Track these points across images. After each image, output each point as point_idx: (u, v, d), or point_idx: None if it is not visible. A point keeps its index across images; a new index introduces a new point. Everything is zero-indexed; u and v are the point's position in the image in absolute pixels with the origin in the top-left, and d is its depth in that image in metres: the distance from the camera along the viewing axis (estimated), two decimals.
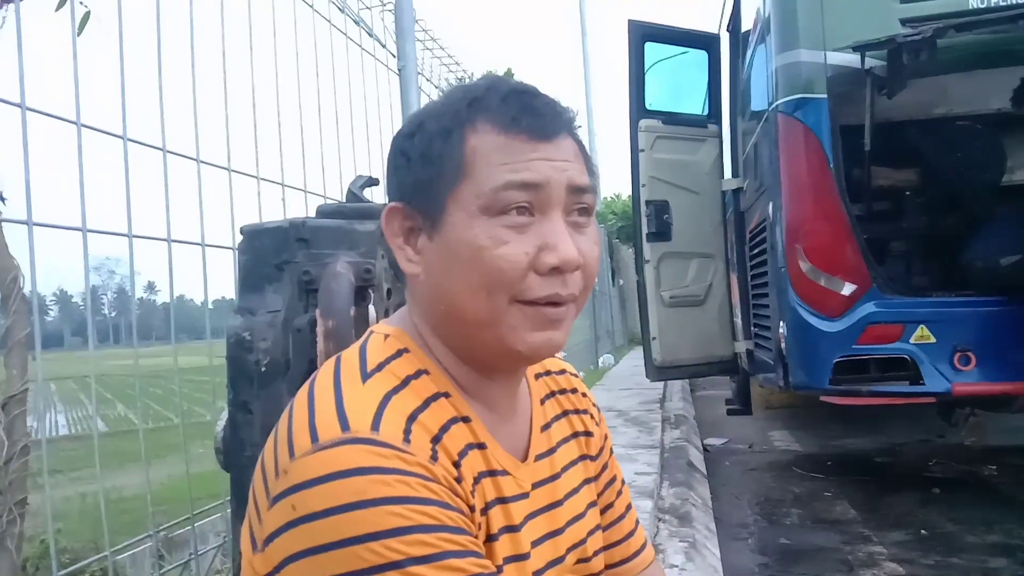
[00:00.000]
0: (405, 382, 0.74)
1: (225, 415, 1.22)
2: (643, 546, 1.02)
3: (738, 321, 5.23)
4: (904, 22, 3.61)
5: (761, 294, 4.54)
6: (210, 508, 2.02)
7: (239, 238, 1.27)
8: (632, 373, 8.34)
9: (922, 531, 3.56)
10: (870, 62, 3.61)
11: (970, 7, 3.57)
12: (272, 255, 1.22)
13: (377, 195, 1.52)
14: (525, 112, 0.75)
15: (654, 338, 5.22)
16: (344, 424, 0.68)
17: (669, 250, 5.21)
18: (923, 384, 3.59)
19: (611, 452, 1.02)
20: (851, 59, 3.66)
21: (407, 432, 0.69)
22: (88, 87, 1.50)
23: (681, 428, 5.42)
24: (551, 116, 0.77)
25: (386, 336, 0.80)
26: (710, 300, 5.33)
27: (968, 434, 5.07)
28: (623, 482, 1.03)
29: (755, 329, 4.87)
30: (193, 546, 1.82)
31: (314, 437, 0.68)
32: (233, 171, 1.69)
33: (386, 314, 1.28)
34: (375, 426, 0.68)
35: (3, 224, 1.65)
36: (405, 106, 2.59)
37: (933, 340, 3.58)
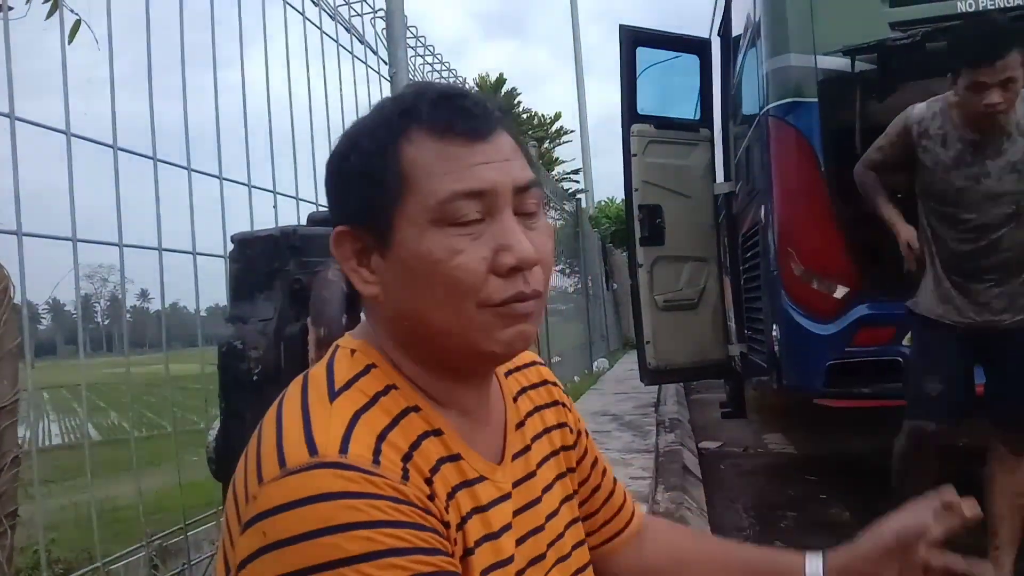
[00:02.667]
0: (374, 399, 0.74)
1: (217, 424, 1.22)
2: (632, 513, 1.05)
3: (732, 324, 5.24)
4: (893, 26, 3.63)
5: (754, 297, 4.55)
6: (204, 517, 2.01)
7: (231, 246, 1.27)
8: (626, 377, 8.34)
9: None
10: (860, 66, 3.63)
11: (959, 11, 3.59)
12: (263, 263, 1.22)
13: None
14: (458, 115, 0.75)
15: (648, 342, 5.22)
16: (312, 448, 0.67)
17: (662, 254, 5.22)
18: None
19: (587, 435, 1.03)
20: (841, 63, 3.68)
21: (377, 453, 0.69)
22: (77, 95, 1.49)
23: (676, 432, 5.42)
24: (483, 115, 0.76)
25: (353, 351, 0.79)
26: (703, 304, 5.34)
27: (960, 435, 5.07)
28: (603, 457, 1.04)
29: (748, 332, 4.88)
30: (187, 555, 1.81)
31: (282, 462, 0.67)
32: (224, 179, 1.69)
33: None
34: (343, 449, 0.67)
35: None
36: None
37: None
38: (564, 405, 0.99)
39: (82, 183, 1.53)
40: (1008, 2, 3.57)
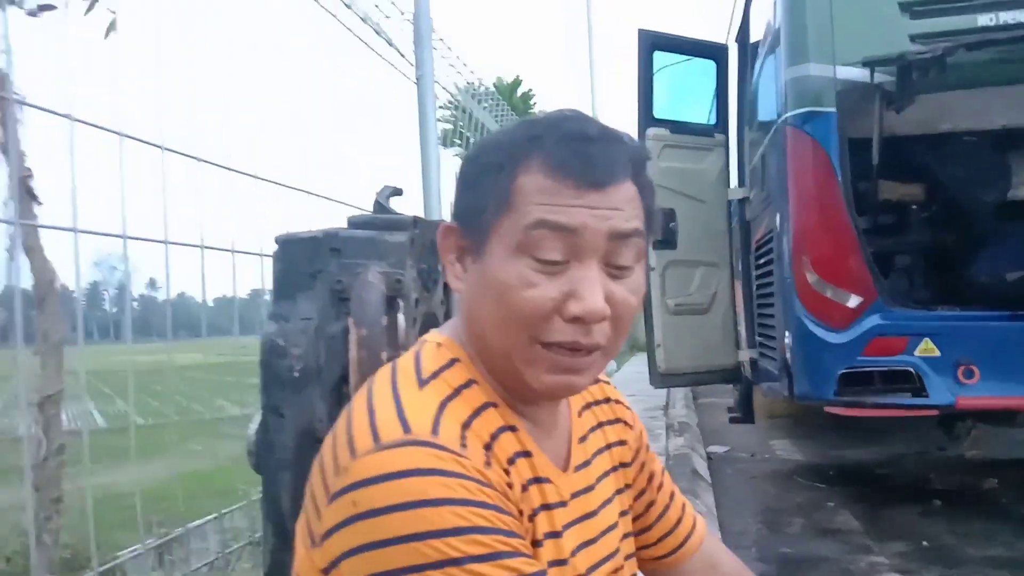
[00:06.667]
0: (457, 391, 0.78)
1: (257, 418, 1.25)
2: (692, 528, 1.07)
3: (742, 330, 5.26)
4: (914, 38, 3.65)
5: (766, 304, 4.57)
6: (234, 508, 2.05)
7: (264, 246, 1.31)
8: (635, 379, 8.34)
9: (923, 543, 3.58)
10: (879, 77, 3.65)
11: (979, 25, 3.61)
12: (305, 264, 1.25)
13: (398, 204, 1.55)
14: (576, 158, 0.76)
15: (658, 345, 5.23)
16: (405, 427, 0.72)
17: (675, 258, 5.22)
18: (927, 397, 3.62)
19: (648, 450, 1.05)
20: (860, 74, 3.69)
21: (463, 438, 0.73)
22: (119, 93, 1.53)
23: (685, 436, 5.45)
24: (604, 164, 0.77)
25: (438, 345, 0.83)
26: (714, 308, 5.35)
27: (969, 447, 5.10)
28: (663, 472, 1.07)
29: (759, 338, 4.89)
30: (221, 545, 1.85)
31: (375, 437, 0.71)
32: (261, 179, 1.72)
33: (414, 323, 1.32)
34: (435, 430, 0.72)
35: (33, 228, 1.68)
36: (422, 114, 2.62)
37: (937, 353, 3.60)
38: (625, 423, 1.03)
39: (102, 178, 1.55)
40: None
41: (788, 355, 3.93)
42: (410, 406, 0.74)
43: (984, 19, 3.60)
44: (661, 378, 5.32)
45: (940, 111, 4.05)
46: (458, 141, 5.01)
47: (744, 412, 5.79)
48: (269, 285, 1.67)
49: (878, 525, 3.87)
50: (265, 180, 1.70)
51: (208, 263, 1.79)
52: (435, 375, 0.79)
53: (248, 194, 1.83)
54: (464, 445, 0.72)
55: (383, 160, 2.28)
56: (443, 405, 0.75)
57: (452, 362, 0.81)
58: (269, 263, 1.55)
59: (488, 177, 0.79)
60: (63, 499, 1.49)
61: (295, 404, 1.22)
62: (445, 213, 2.54)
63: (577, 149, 0.76)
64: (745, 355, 5.20)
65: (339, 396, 1.21)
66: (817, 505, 4.30)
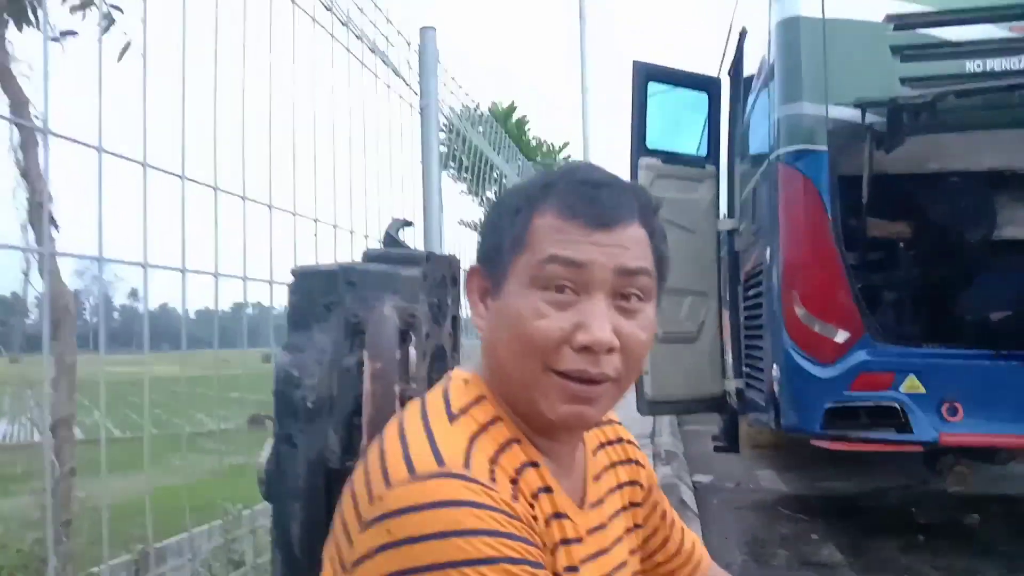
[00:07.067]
0: (484, 428, 0.82)
1: (269, 446, 1.27)
2: (701, 554, 1.13)
3: (728, 359, 5.31)
4: (904, 81, 3.75)
5: (754, 335, 4.63)
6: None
7: (287, 278, 1.33)
8: (621, 406, 8.36)
9: None
10: (870, 118, 3.74)
11: (967, 71, 3.71)
12: (321, 296, 1.28)
13: (406, 235, 1.58)
14: (586, 201, 0.83)
15: (646, 373, 5.26)
16: (439, 459, 0.75)
17: (664, 287, 5.26)
18: (911, 433, 3.68)
19: (658, 488, 1.10)
20: (852, 113, 3.79)
21: (492, 472, 0.77)
22: (136, 122, 1.55)
23: (672, 464, 5.47)
24: (611, 206, 0.84)
25: (466, 382, 0.88)
26: (702, 337, 5.39)
27: (951, 482, 5.14)
28: (670, 505, 1.12)
29: (747, 369, 4.94)
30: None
31: (410, 468, 0.75)
32: (273, 207, 1.75)
33: (424, 356, 1.35)
34: (467, 464, 0.76)
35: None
36: (425, 144, 2.65)
37: (922, 390, 3.66)
38: (637, 463, 1.07)
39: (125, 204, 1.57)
40: (1013, 66, 3.69)
41: (775, 387, 3.98)
42: (442, 440, 0.78)
43: (972, 65, 3.71)
44: (648, 405, 5.35)
45: (929, 152, 4.15)
46: (452, 164, 5.04)
47: (729, 441, 5.82)
48: (268, 304, 1.70)
49: (862, 558, 3.90)
50: (278, 208, 1.73)
51: (198, 280, 1.80)
52: (464, 411, 0.83)
53: (256, 219, 1.86)
54: (493, 479, 0.76)
55: (376, 181, 2.30)
56: (472, 440, 0.79)
57: (479, 399, 0.86)
58: (272, 288, 1.59)
59: (507, 221, 0.86)
60: (72, 521, 1.50)
61: (307, 434, 1.23)
62: (446, 245, 2.57)
63: (587, 193, 0.84)
64: (732, 385, 5.24)
65: (351, 427, 1.23)
66: (801, 537, 4.33)
